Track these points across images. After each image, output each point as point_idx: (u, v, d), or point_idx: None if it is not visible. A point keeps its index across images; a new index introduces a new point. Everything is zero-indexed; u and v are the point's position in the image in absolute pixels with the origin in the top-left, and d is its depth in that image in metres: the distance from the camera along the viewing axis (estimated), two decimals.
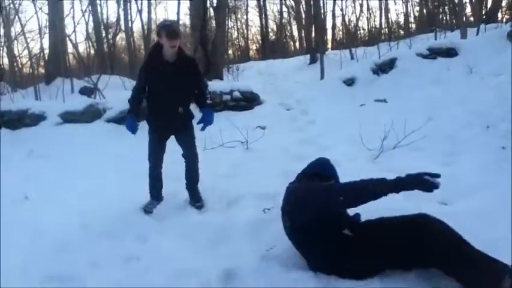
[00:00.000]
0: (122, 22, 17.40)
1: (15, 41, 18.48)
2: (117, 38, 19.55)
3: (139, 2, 15.75)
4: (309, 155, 5.15)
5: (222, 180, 4.45)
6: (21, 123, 6.70)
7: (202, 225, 3.49)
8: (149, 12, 17.28)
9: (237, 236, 3.23)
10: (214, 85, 7.89)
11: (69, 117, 6.74)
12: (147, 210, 3.86)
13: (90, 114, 6.87)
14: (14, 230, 3.41)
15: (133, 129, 3.73)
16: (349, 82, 8.21)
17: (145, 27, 16.07)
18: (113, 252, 3.05)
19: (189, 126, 3.96)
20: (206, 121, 3.82)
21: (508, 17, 16.02)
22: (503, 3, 17.10)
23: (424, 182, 2.30)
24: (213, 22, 12.20)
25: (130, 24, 17.04)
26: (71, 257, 2.98)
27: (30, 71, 14.82)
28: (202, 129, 3.88)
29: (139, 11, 15.27)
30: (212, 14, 11.44)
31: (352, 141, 5.30)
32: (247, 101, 7.64)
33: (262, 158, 5.10)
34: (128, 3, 16.75)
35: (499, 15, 16.85)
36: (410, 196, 3.00)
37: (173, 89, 3.61)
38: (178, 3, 14.45)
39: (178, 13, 14.37)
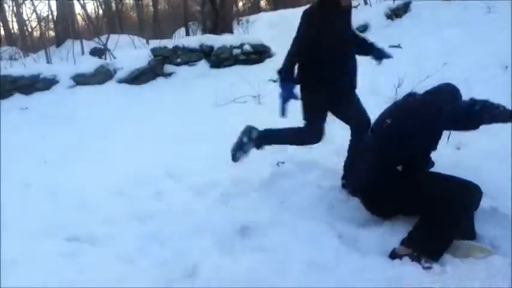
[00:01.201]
0: None
1: (23, 5, 18.31)
2: None
3: None
4: None
5: (235, 135, 4.44)
6: (34, 87, 6.76)
7: (216, 180, 3.52)
8: None
9: (251, 191, 3.26)
10: (223, 39, 7.76)
11: (80, 80, 6.76)
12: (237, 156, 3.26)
13: (102, 76, 6.86)
14: (34, 192, 3.52)
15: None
16: (362, 29, 7.96)
17: None
18: (128, 210, 3.11)
19: None
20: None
21: None
22: None
23: None
24: None
25: None
26: (88, 216, 3.05)
27: (40, 34, 14.71)
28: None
29: None
30: None
31: (366, 90, 5.18)
32: (258, 54, 7.51)
33: (275, 112, 5.05)
34: None
35: None
36: None
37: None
38: None
39: None
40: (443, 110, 2.43)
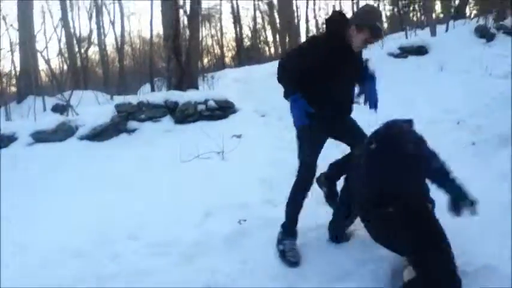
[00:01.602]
0: (95, 35, 17.26)
1: None
2: (90, 51, 19.35)
3: (111, 14, 15.63)
4: (286, 161, 5.17)
5: (198, 192, 4.39)
6: None
7: (180, 240, 3.43)
8: (122, 24, 17.18)
9: (212, 250, 3.18)
10: (188, 95, 7.84)
11: (40, 137, 6.61)
12: (293, 260, 2.93)
13: (63, 133, 6.73)
14: None
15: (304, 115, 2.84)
16: None
17: (119, 39, 15.95)
18: (88, 271, 3.01)
19: None
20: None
21: (475, 12, 16.40)
22: None
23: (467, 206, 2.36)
24: (187, 31, 12.16)
25: (103, 37, 16.90)
26: (49, 274, 2.96)
27: (0, 90, 14.51)
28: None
29: (112, 23, 15.16)
30: (186, 23, 11.41)
31: (329, 144, 5.30)
32: (222, 110, 7.59)
33: (239, 167, 5.07)
34: (100, 16, 16.62)
35: (467, 10, 17.25)
36: None
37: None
38: (151, 12, 14.39)
39: (151, 23, 14.31)
40: (431, 165, 2.46)
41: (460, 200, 2.35)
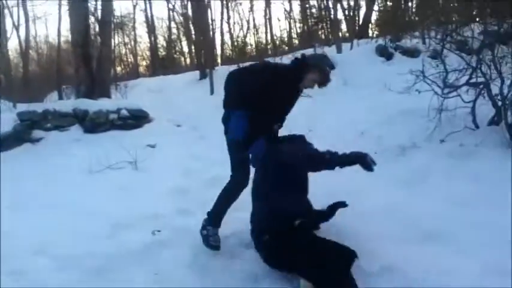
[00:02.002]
0: None
1: None
2: None
3: (15, 17, 14.60)
4: (199, 170, 5.21)
5: (110, 204, 4.26)
6: None
7: (88, 255, 3.29)
8: (27, 28, 16.11)
9: (125, 263, 3.10)
10: (99, 104, 7.57)
11: None
12: (214, 244, 3.10)
13: None
14: None
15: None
16: None
17: (23, 44, 14.94)
18: None
19: None
20: None
21: (377, 32, 17.76)
22: (372, 20, 19.00)
23: (366, 161, 2.93)
24: (99, 38, 11.75)
25: (5, 41, 15.70)
26: None
27: None
28: None
29: (16, 27, 14.16)
30: (97, 30, 11.03)
31: None
32: (136, 119, 7.43)
33: (152, 178, 5.00)
34: (2, 19, 15.43)
35: (370, 31, 18.65)
36: None
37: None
38: (59, 19, 13.71)
39: (59, 29, 13.62)
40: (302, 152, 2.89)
41: (359, 161, 2.92)
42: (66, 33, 17.65)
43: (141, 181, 4.91)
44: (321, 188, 3.59)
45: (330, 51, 11.94)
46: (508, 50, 4.59)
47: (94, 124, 7.12)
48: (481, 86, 4.47)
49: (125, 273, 2.97)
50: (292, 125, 5.62)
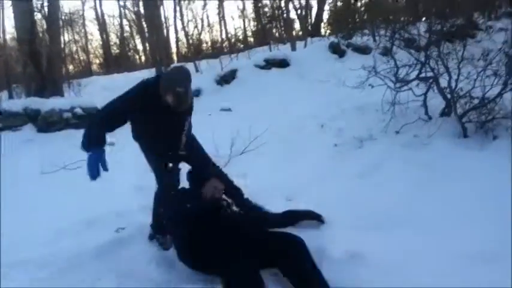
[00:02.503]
0: None
1: None
2: None
3: None
4: None
5: (70, 203, 4.15)
6: None
7: (48, 255, 3.21)
8: None
9: (87, 262, 3.05)
10: (52, 102, 7.30)
11: None
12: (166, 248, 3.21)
13: None
14: None
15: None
16: (196, 93, 8.40)
17: None
18: None
19: None
20: None
21: (329, 31, 18.19)
22: (324, 19, 19.46)
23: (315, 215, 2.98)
24: (47, 35, 11.31)
25: None
26: None
27: None
28: None
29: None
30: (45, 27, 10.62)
31: (206, 149, 5.44)
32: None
33: (112, 176, 4.88)
34: None
35: (322, 30, 19.08)
36: (258, 196, 3.26)
37: None
38: (2, 15, 13.06)
39: (3, 26, 12.99)
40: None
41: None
42: (11, 30, 16.88)
43: (101, 180, 4.79)
44: (286, 177, 3.69)
45: (284, 48, 12.12)
46: (452, 46, 4.87)
47: (47, 123, 6.87)
48: (431, 80, 4.72)
49: (91, 271, 2.93)
50: (252, 121, 5.75)
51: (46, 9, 10.32)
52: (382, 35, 7.09)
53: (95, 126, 2.96)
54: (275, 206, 3.37)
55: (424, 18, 6.21)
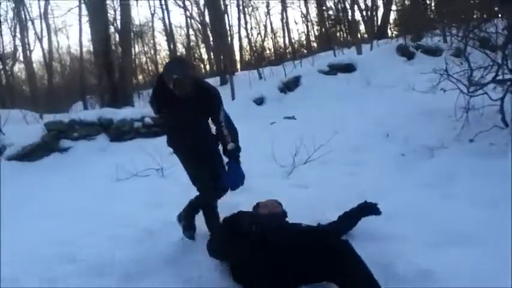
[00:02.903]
0: (20, 52, 16.36)
1: None
2: (16, 69, 18.34)
3: (38, 29, 14.98)
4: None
5: (138, 210, 4.32)
6: None
7: (119, 261, 3.35)
8: (49, 39, 16.48)
9: (154, 270, 3.14)
10: (123, 112, 7.69)
11: None
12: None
13: None
14: None
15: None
16: (259, 101, 8.46)
17: (47, 56, 15.28)
18: None
19: None
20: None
21: (396, 32, 17.61)
22: (391, 20, 18.84)
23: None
24: (119, 48, 11.95)
25: (29, 54, 16.09)
26: None
27: None
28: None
29: (39, 39, 14.51)
30: (118, 39, 11.24)
31: (266, 159, 5.45)
32: (160, 126, 7.52)
33: (179, 184, 5.04)
34: (25, 32, 15.84)
35: (389, 31, 18.50)
36: (320, 208, 3.19)
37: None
38: (80, 30, 13.99)
39: (80, 40, 13.91)
40: None
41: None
42: (87, 44, 18.01)
43: (168, 188, 4.96)
44: (349, 188, 3.58)
45: (349, 52, 11.88)
46: None
47: (119, 132, 7.25)
48: (509, 83, 4.38)
49: (157, 278, 3.01)
50: (317, 129, 5.68)
51: (119, 22, 10.92)
52: (454, 34, 6.69)
53: None
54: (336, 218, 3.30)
55: (500, 15, 5.78)
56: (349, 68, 8.82)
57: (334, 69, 8.81)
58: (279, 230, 2.83)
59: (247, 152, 5.79)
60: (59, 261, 3.42)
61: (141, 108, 8.87)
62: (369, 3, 18.83)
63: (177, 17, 63.39)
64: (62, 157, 6.77)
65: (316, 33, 24.54)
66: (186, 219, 3.53)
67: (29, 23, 16.10)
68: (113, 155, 6.51)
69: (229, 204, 4.23)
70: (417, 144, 4.58)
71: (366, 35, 18.44)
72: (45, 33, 15.98)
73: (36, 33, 15.65)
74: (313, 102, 7.35)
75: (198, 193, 3.47)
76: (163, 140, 6.88)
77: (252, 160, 5.51)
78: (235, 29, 21.83)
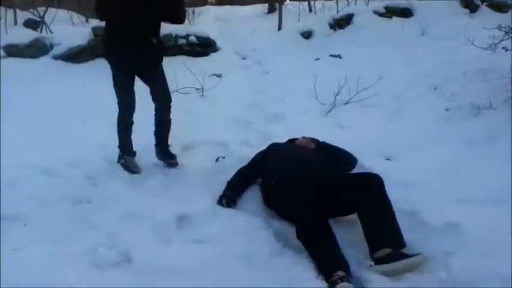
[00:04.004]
0: None
1: None
2: None
3: None
4: (262, 104, 5.28)
5: (176, 125, 4.41)
6: None
7: (155, 169, 3.51)
8: None
9: (189, 182, 3.28)
10: (169, 27, 7.61)
11: (13, 51, 6.31)
12: (134, 170, 3.49)
13: (37, 49, 6.44)
14: None
15: None
16: (306, 35, 8.19)
17: None
18: (60, 191, 3.00)
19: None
20: None
21: None
22: None
23: None
24: None
25: None
26: (18, 195, 2.90)
27: None
28: None
29: None
30: None
31: (305, 94, 5.41)
32: (203, 46, 7.45)
33: (217, 106, 5.11)
34: None
35: None
36: (357, 150, 3.20)
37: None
38: None
39: None
40: None
41: None
42: None
43: (207, 108, 5.04)
44: (387, 135, 3.54)
45: None
46: None
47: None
48: None
49: (189, 191, 3.14)
50: (362, 71, 5.53)
51: None
52: None
53: None
54: (372, 163, 3.31)
55: None
56: (406, 12, 8.33)
57: (390, 12, 8.33)
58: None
59: (288, 86, 5.82)
60: (98, 161, 3.62)
61: (186, 26, 8.76)
62: None
63: None
64: (106, 63, 6.85)
65: None
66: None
67: None
68: None
69: (266, 132, 4.33)
70: (464, 101, 4.40)
71: None
72: None
73: None
74: (362, 44, 7.06)
75: None
76: (204, 60, 6.98)
77: (292, 94, 5.52)
78: None
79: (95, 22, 8.21)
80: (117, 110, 3.51)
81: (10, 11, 8.49)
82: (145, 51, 3.22)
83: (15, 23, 8.44)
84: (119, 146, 3.54)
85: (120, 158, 3.53)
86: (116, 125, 3.52)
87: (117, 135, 3.52)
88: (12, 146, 3.65)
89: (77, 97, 5.22)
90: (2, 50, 6.28)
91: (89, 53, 6.69)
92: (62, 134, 4.09)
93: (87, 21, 10.00)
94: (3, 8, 8.54)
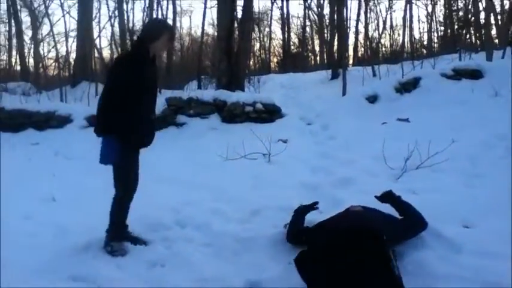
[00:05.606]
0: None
1: (42, 43, 18.93)
2: None
3: (164, 10, 16.08)
4: (328, 169, 5.22)
5: (245, 191, 4.49)
6: (48, 124, 6.88)
7: (225, 235, 3.52)
8: (174, 20, 17.58)
9: (258, 248, 3.25)
10: (236, 96, 7.98)
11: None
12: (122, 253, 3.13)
13: None
14: (41, 228, 3.51)
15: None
16: (372, 99, 8.19)
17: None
18: (139, 255, 3.10)
19: None
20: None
21: None
22: None
23: None
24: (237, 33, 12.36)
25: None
26: (93, 257, 3.03)
27: (55, 73, 15.14)
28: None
29: (165, 18, 15.55)
30: (236, 25, 11.60)
31: (374, 158, 5.30)
32: (269, 113, 7.69)
33: (284, 171, 5.14)
34: (154, 11, 17.06)
35: None
36: (431, 216, 3.05)
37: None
38: (204, 13, 14.72)
39: (203, 23, 14.63)
40: None
41: None
42: (206, 28, 18.93)
43: (273, 173, 5.08)
44: (464, 200, 3.34)
45: (477, 58, 10.97)
46: None
47: (231, 114, 7.55)
48: None
49: (258, 257, 3.11)
50: (432, 135, 5.37)
51: (239, 8, 11.26)
52: None
53: None
54: (449, 231, 3.11)
55: None
56: (475, 74, 8.13)
57: (458, 74, 8.17)
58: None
59: (355, 150, 5.75)
60: (171, 224, 3.72)
61: (252, 94, 9.13)
62: (506, 6, 17.18)
63: (295, 7, 63.73)
64: (178, 131, 7.25)
65: (440, 34, 23.04)
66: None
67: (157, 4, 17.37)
68: (224, 135, 6.81)
69: (333, 198, 4.24)
70: None
71: (497, 40, 16.91)
72: (170, 14, 17.16)
73: (162, 14, 16.82)
74: (431, 107, 6.92)
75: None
76: (270, 126, 7.15)
77: (359, 159, 5.44)
78: (352, 22, 21.41)
79: (167, 93, 8.79)
80: (118, 191, 3.32)
81: (93, 84, 9.33)
82: None
83: (96, 94, 9.24)
84: (112, 230, 3.25)
85: (106, 244, 3.19)
86: (115, 208, 3.29)
87: (111, 217, 3.27)
88: (93, 208, 3.84)
89: (150, 163, 5.46)
90: (85, 120, 6.84)
91: (163, 121, 7.13)
92: (138, 196, 4.26)
93: (159, 91, 10.70)
94: (87, 82, 9.43)
